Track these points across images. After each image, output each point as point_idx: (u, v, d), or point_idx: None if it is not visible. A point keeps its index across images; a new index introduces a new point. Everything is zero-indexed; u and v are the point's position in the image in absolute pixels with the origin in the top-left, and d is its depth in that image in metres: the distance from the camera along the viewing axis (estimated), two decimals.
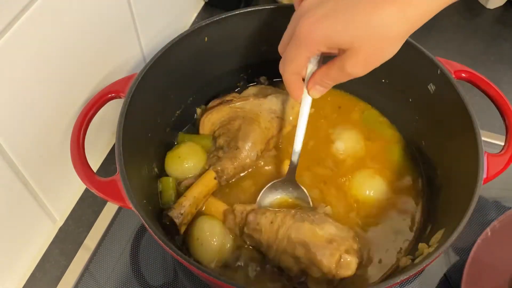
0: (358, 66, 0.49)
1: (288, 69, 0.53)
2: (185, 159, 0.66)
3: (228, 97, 0.72)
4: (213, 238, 0.60)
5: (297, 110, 0.69)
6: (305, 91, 0.56)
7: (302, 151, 0.62)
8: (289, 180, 0.64)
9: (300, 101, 0.57)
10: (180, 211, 0.61)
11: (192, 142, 0.69)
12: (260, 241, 0.60)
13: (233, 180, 0.67)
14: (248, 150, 0.66)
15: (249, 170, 0.68)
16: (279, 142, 0.71)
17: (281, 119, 0.71)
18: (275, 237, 0.58)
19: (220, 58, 0.71)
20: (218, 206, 0.64)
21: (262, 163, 0.68)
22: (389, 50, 0.49)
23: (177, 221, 0.60)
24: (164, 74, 0.65)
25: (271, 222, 0.59)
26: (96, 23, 0.62)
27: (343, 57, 0.48)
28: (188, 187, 0.64)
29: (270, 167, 0.69)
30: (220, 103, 0.70)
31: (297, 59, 0.51)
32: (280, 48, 0.56)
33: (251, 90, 0.73)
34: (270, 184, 0.65)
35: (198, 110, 0.74)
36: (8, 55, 0.49)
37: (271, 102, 0.71)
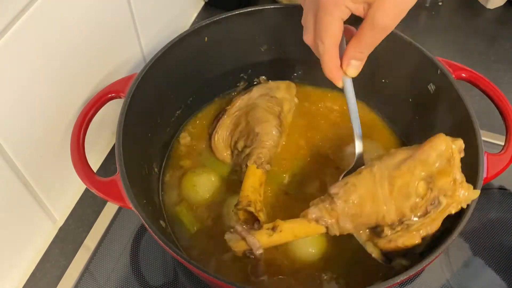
0: (388, 15, 0.49)
1: (328, 40, 0.52)
2: (200, 189, 0.66)
3: (220, 113, 0.72)
4: None
5: (283, 87, 0.71)
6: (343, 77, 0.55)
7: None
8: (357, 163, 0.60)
9: (341, 84, 0.56)
10: (248, 200, 0.58)
11: (208, 173, 0.67)
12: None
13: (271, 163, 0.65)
14: (265, 129, 0.66)
15: (282, 144, 0.68)
16: (288, 116, 0.71)
17: (275, 97, 0.70)
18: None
19: (220, 58, 0.71)
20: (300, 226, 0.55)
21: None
22: None
23: (252, 209, 0.57)
24: (164, 74, 0.65)
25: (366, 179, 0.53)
26: (96, 23, 0.62)
27: (371, 11, 0.49)
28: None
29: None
30: (217, 120, 0.70)
31: (332, 25, 0.51)
32: (307, 37, 0.55)
33: (238, 95, 0.73)
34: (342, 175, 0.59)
35: (183, 141, 0.72)
36: (8, 55, 0.49)
37: (258, 90, 0.71)
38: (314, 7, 0.52)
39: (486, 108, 0.63)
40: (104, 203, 0.70)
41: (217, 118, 0.71)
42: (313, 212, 0.53)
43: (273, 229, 0.53)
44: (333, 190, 0.53)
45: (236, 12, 0.67)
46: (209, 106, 0.76)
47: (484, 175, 0.55)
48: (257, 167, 0.63)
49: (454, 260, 0.66)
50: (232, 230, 0.55)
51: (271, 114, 0.68)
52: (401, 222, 0.52)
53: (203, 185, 0.66)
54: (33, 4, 0.50)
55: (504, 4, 0.98)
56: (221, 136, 0.69)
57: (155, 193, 0.65)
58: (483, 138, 0.57)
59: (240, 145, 0.67)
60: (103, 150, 0.76)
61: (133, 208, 0.52)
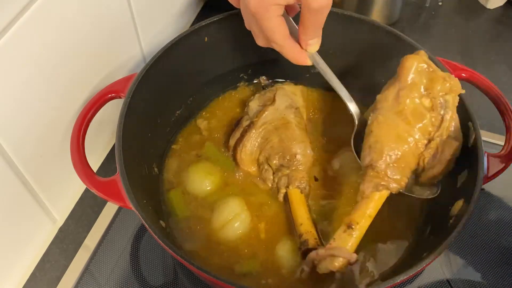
0: None
1: (278, 38, 0.55)
2: (205, 179, 0.67)
3: (243, 123, 0.69)
4: None
5: (298, 93, 0.72)
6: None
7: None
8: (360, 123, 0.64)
9: (309, 62, 0.59)
10: (312, 235, 0.59)
11: (212, 163, 0.69)
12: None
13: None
14: (303, 150, 0.65)
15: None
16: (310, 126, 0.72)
17: (298, 108, 0.70)
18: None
19: (220, 58, 0.71)
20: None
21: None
22: None
23: (317, 243, 0.58)
24: (164, 74, 0.65)
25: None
26: (96, 23, 0.62)
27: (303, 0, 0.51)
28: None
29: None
30: (242, 133, 0.68)
31: (274, 25, 0.54)
32: (259, 41, 0.58)
33: (252, 104, 0.71)
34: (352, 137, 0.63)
35: (200, 121, 0.73)
36: (8, 55, 0.49)
37: (281, 100, 0.70)
38: (249, 14, 0.55)
39: (486, 108, 0.63)
40: (104, 203, 0.70)
41: (238, 128, 0.69)
42: (367, 187, 0.56)
43: (350, 226, 0.54)
44: (366, 161, 0.57)
45: (236, 12, 0.67)
46: (209, 106, 0.76)
47: (484, 175, 0.55)
48: (300, 192, 0.63)
49: (454, 260, 0.66)
50: (316, 260, 0.55)
51: (303, 130, 0.68)
52: (430, 141, 0.57)
53: (207, 173, 0.67)
54: (33, 4, 0.50)
55: (504, 4, 0.98)
56: (249, 149, 0.67)
57: (155, 193, 0.65)
58: (483, 138, 0.57)
59: (274, 163, 0.66)
60: (103, 150, 0.76)
61: (133, 208, 0.52)
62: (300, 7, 0.53)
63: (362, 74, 0.73)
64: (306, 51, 0.58)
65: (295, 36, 0.58)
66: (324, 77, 0.61)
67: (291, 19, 0.59)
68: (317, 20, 0.54)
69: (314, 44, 0.58)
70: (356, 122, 0.63)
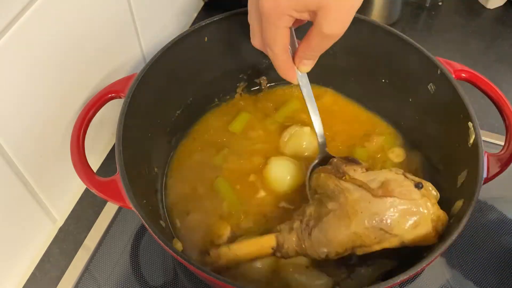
0: (334, 24, 0.49)
1: (276, 48, 0.53)
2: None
3: (343, 169, 0.58)
4: None
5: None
6: (297, 71, 0.57)
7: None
8: (322, 155, 0.65)
9: (296, 82, 0.58)
10: (218, 262, 0.58)
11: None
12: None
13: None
14: (318, 245, 0.56)
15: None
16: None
17: (384, 232, 0.53)
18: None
19: (220, 58, 0.71)
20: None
21: None
22: None
23: (209, 262, 0.58)
24: (164, 74, 0.65)
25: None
26: (96, 23, 0.62)
27: (318, 20, 0.49)
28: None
29: None
30: (331, 172, 0.59)
31: (278, 34, 0.52)
32: (255, 41, 0.57)
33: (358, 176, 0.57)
34: (310, 168, 0.64)
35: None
36: (8, 55, 0.49)
37: (379, 206, 0.53)
38: (257, 12, 0.52)
39: (486, 108, 0.63)
40: (104, 203, 0.70)
41: (335, 171, 0.60)
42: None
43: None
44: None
45: (236, 12, 0.67)
46: (209, 106, 0.76)
47: (484, 175, 0.55)
48: (272, 248, 0.59)
49: (454, 260, 0.66)
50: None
51: (347, 242, 0.56)
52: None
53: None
54: (32, 4, 0.50)
55: (504, 4, 0.98)
56: (319, 177, 0.63)
57: (155, 193, 0.65)
58: (483, 138, 0.57)
59: (313, 205, 0.60)
60: (103, 150, 0.76)
61: (133, 208, 0.52)
62: (312, 27, 0.51)
63: (362, 74, 0.73)
64: (297, 69, 0.57)
65: (292, 47, 0.56)
66: (305, 100, 0.61)
67: (293, 31, 0.57)
68: (322, 45, 0.52)
69: (308, 64, 0.56)
70: (319, 156, 0.65)
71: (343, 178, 0.57)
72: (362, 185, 0.55)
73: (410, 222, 0.53)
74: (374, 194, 0.53)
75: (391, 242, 0.54)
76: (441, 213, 0.55)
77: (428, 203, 0.54)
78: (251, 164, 0.69)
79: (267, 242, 0.58)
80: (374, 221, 0.53)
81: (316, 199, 0.59)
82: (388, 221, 0.52)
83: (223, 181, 0.67)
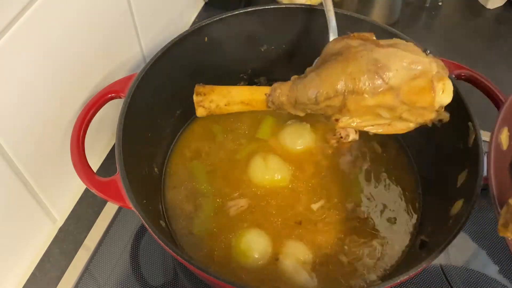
0: None
1: None
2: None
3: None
4: None
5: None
6: None
7: None
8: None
9: None
10: (210, 100, 0.58)
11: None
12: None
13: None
14: (310, 85, 0.53)
15: (300, 115, 0.58)
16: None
17: (380, 79, 0.51)
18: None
19: (220, 58, 0.71)
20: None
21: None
22: None
23: (195, 99, 0.58)
24: (164, 74, 0.65)
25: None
26: (96, 23, 0.62)
27: None
28: None
29: None
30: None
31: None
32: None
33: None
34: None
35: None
36: (8, 55, 0.49)
37: (381, 53, 0.53)
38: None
39: (486, 108, 0.63)
40: (104, 203, 0.70)
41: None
42: None
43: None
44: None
45: (236, 12, 0.67)
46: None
47: (484, 175, 0.55)
48: (265, 94, 0.59)
49: (454, 260, 0.66)
50: None
51: (340, 78, 0.56)
52: None
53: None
54: (32, 4, 0.50)
55: (504, 4, 0.98)
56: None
57: (155, 193, 0.65)
58: (483, 138, 0.57)
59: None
60: (103, 150, 0.76)
61: (133, 208, 0.52)
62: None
63: None
64: None
65: None
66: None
67: None
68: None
69: None
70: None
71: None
72: (370, 41, 0.54)
73: (409, 72, 0.50)
74: (379, 45, 0.52)
75: (384, 97, 0.51)
76: (447, 80, 0.51)
77: (434, 64, 0.51)
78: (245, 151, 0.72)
79: (263, 89, 0.59)
80: (372, 65, 0.51)
81: (320, 59, 0.57)
82: (386, 68, 0.50)
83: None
